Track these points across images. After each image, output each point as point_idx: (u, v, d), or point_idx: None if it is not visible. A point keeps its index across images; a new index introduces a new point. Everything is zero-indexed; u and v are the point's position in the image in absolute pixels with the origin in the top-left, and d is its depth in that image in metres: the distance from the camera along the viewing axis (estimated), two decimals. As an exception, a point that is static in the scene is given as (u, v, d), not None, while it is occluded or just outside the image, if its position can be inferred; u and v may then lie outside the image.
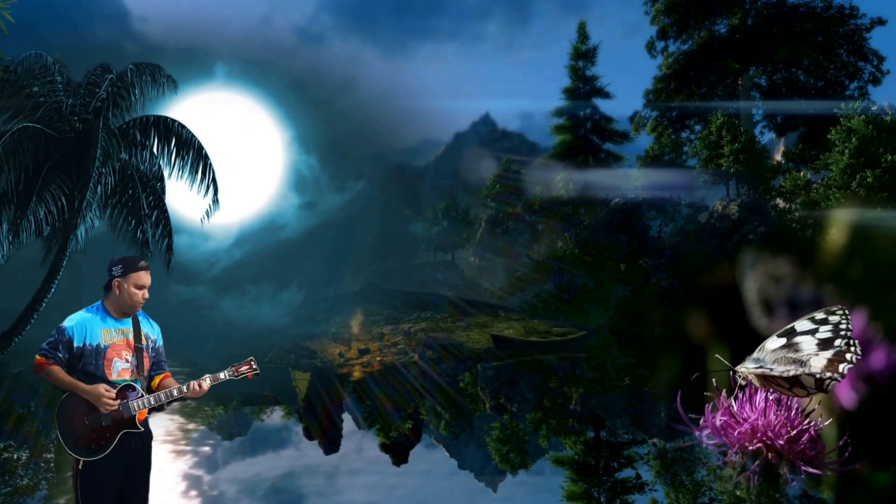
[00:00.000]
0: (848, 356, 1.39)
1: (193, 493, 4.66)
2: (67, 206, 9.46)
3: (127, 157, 10.19)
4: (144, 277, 2.60)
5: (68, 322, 2.55)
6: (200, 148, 10.50)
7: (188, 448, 6.02)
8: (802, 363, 1.43)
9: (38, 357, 2.49)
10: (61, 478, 5.00)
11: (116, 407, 2.46)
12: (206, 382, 2.63)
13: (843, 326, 1.46)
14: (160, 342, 2.78)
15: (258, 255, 24.41)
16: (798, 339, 1.50)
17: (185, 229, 22.91)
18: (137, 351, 2.62)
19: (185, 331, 16.17)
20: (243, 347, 14.06)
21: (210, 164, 10.54)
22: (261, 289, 21.45)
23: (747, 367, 1.52)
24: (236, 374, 2.69)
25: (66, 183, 9.57)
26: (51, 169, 9.53)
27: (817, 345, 1.46)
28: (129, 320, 2.65)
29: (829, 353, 1.42)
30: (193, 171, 10.47)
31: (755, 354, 1.54)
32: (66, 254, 9.69)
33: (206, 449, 6.04)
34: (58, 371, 2.45)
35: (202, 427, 7.01)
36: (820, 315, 1.51)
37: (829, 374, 1.39)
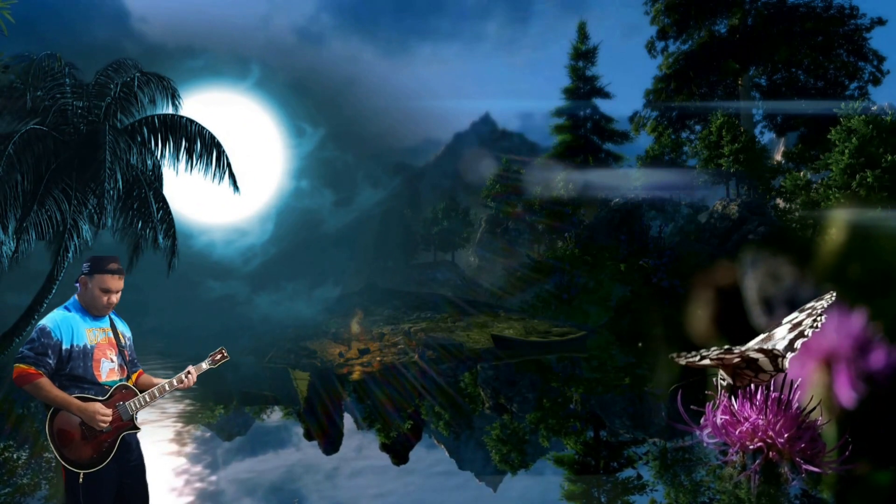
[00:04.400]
0: (807, 332, 1.35)
1: (193, 493, 4.66)
2: (70, 208, 9.47)
3: (133, 159, 10.19)
4: (111, 281, 2.42)
5: (50, 322, 2.36)
6: (212, 137, 10.54)
7: (188, 448, 6.02)
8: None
9: (21, 366, 2.24)
10: (61, 478, 5.00)
11: (109, 422, 2.36)
12: (193, 374, 2.60)
13: (818, 310, 1.41)
14: (131, 339, 2.71)
15: (294, 251, 24.48)
16: (776, 329, 1.48)
17: (218, 227, 23.09)
18: (119, 350, 2.53)
19: (220, 327, 16.22)
20: (276, 344, 14.20)
21: (224, 152, 10.60)
22: (296, 285, 21.52)
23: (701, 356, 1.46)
24: (213, 362, 2.70)
25: (70, 184, 9.59)
26: (55, 171, 9.55)
27: (789, 330, 1.43)
28: (107, 319, 2.55)
29: (793, 334, 1.39)
30: (209, 162, 10.51)
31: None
32: (68, 255, 9.71)
33: (206, 449, 6.04)
34: (48, 386, 2.25)
35: (202, 427, 7.00)
36: (809, 304, 1.49)
37: (776, 349, 1.32)
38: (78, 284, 2.50)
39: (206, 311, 18.12)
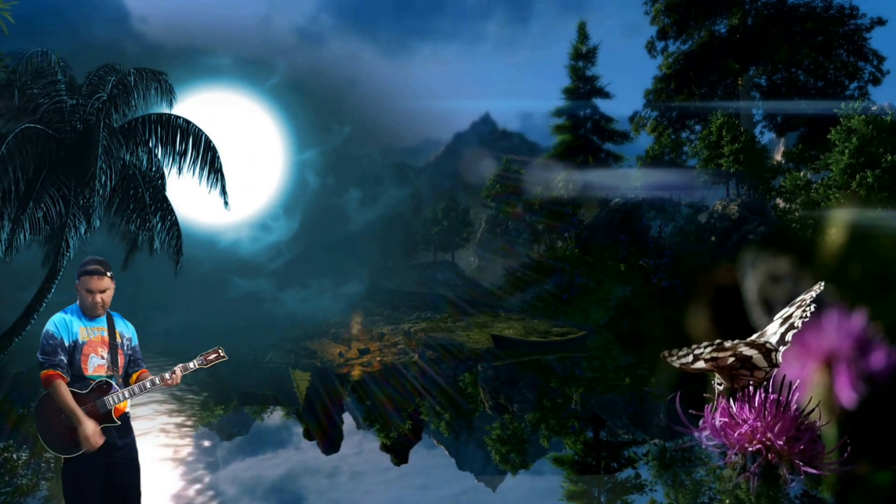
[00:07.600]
0: (797, 322, 1.31)
1: (193, 493, 4.65)
2: (65, 207, 9.45)
3: (128, 157, 10.14)
4: (90, 282, 2.58)
5: (50, 325, 2.57)
6: (208, 141, 10.41)
7: (188, 448, 6.02)
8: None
9: (42, 373, 2.48)
10: (60, 478, 4.99)
11: (98, 445, 2.49)
12: (178, 373, 2.69)
13: (807, 301, 1.37)
14: (136, 341, 2.85)
15: (320, 249, 24.48)
16: (769, 325, 1.45)
17: (244, 224, 23.11)
18: (112, 348, 2.68)
19: (246, 324, 16.20)
20: (279, 344, 14.21)
21: (217, 157, 10.44)
22: (322, 282, 21.47)
23: (693, 355, 1.41)
24: (205, 362, 2.74)
25: (65, 183, 9.57)
26: (50, 170, 9.52)
27: (780, 324, 1.38)
28: (104, 319, 2.70)
29: (783, 327, 1.34)
30: (202, 165, 10.38)
31: None
32: (66, 254, 9.69)
33: (206, 449, 6.04)
34: (65, 390, 2.46)
35: (202, 427, 7.00)
36: (798, 298, 1.44)
37: (768, 343, 1.29)
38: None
39: (231, 308, 18.10)
